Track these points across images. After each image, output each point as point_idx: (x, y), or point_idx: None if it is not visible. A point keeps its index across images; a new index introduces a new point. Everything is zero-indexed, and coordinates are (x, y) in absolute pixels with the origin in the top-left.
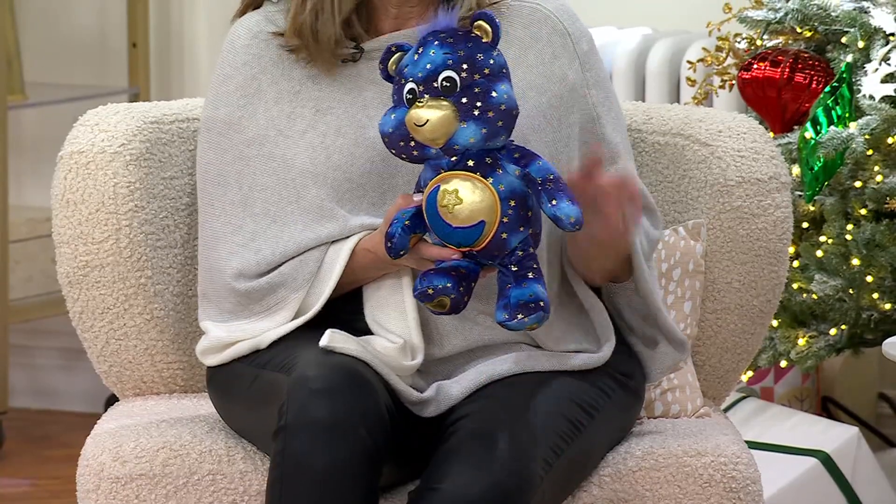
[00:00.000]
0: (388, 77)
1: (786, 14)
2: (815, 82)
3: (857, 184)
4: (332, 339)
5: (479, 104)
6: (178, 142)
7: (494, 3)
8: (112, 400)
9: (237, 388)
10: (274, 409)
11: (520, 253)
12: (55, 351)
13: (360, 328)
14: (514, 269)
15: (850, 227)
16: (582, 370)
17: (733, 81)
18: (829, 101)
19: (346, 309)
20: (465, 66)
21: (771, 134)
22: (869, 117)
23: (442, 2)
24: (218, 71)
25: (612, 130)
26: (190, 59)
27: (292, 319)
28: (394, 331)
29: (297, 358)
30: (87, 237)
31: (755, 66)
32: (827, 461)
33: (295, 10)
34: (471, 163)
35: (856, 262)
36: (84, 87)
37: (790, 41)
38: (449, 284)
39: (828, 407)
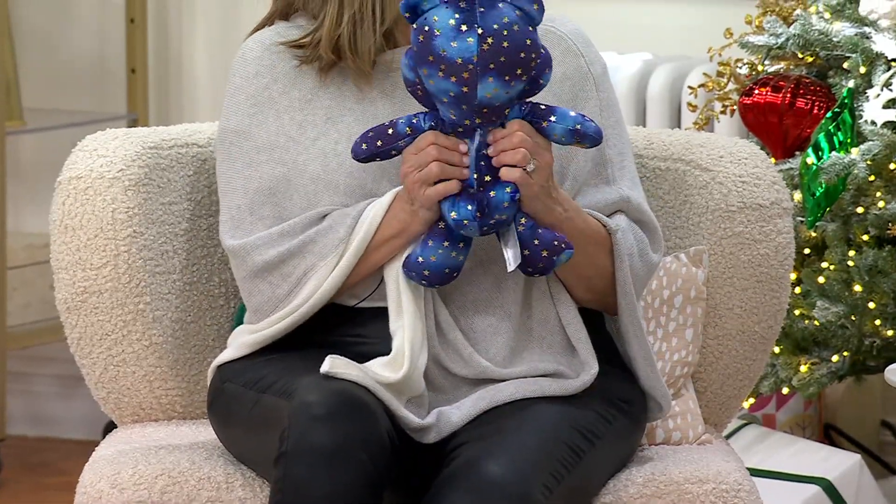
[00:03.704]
0: None
1: (787, 39)
2: (816, 108)
3: (859, 210)
4: (334, 364)
5: None
6: (176, 167)
7: None
8: (110, 427)
9: (237, 412)
10: (275, 435)
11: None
12: (53, 378)
13: (361, 353)
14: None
15: (852, 253)
16: (583, 397)
17: (734, 107)
18: (830, 127)
19: (347, 334)
20: None
21: (772, 159)
22: (871, 143)
23: None
24: (229, 84)
25: (616, 154)
26: (189, 84)
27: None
28: (407, 325)
29: (298, 383)
30: (85, 263)
31: (756, 91)
32: (829, 489)
33: (331, 24)
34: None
35: (858, 288)
36: (82, 112)
37: (791, 66)
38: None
39: (830, 434)
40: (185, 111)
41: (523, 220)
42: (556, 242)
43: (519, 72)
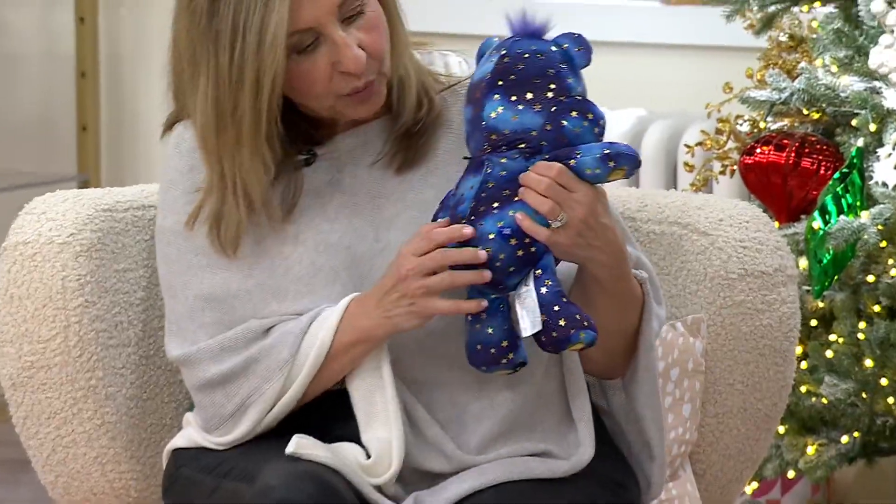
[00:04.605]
0: None
1: (791, 94)
2: (823, 168)
3: (870, 278)
4: (300, 445)
5: None
6: (132, 231)
7: (452, 86)
8: None
9: (195, 500)
10: None
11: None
12: None
13: (333, 435)
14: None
15: (862, 325)
16: (573, 480)
17: (735, 167)
18: (838, 189)
19: (315, 414)
20: None
21: (776, 223)
22: (882, 206)
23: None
24: (163, 177)
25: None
26: (144, 142)
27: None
28: (382, 437)
29: (262, 466)
30: (32, 335)
31: (758, 150)
32: None
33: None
34: None
35: (869, 363)
36: (29, 174)
37: (796, 123)
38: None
39: None
40: (141, 171)
41: (548, 283)
42: (577, 316)
43: (529, 96)
